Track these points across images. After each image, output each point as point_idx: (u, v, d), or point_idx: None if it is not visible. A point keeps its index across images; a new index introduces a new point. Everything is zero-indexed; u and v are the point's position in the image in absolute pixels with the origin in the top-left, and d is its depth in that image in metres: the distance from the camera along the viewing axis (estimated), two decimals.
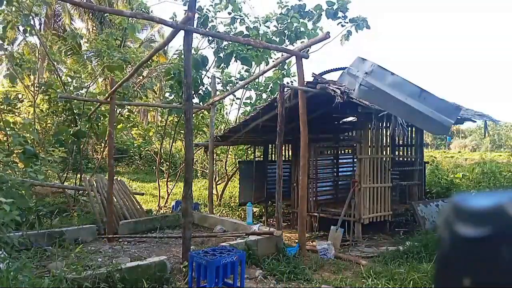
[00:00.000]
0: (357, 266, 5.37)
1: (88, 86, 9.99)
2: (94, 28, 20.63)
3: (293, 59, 8.24)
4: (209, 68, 10.14)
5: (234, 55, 9.39)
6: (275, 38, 9.78)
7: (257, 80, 10.68)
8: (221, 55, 9.74)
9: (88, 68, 13.38)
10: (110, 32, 10.48)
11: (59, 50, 10.23)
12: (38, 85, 9.59)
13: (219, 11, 10.13)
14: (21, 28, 8.51)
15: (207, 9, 10.06)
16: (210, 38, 9.67)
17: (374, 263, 5.41)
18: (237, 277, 4.06)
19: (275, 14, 10.10)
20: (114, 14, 11.59)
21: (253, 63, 9.93)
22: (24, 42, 9.95)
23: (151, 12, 10.21)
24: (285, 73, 10.82)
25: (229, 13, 10.12)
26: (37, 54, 11.10)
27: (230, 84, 10.78)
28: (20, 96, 10.71)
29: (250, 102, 11.36)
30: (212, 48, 10.18)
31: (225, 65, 10.14)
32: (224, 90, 10.57)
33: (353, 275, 4.99)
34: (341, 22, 9.61)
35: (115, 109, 7.80)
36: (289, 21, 9.68)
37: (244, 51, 9.18)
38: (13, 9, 7.92)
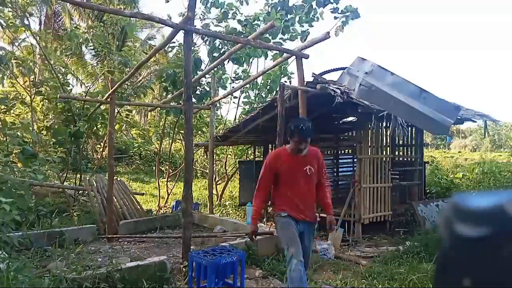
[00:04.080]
0: (357, 266, 5.36)
1: (88, 87, 10.01)
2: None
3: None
4: (205, 68, 10.18)
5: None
6: (268, 36, 9.78)
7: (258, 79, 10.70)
8: (216, 54, 9.76)
9: (88, 68, 13.39)
10: (104, 32, 10.45)
11: (56, 49, 10.21)
12: (33, 84, 9.58)
13: (210, 13, 10.19)
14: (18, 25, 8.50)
15: (202, 11, 10.12)
16: (205, 37, 9.71)
17: (374, 263, 5.41)
18: (237, 277, 4.06)
19: (264, 11, 10.14)
20: (114, 14, 11.58)
21: (244, 62, 9.99)
22: (23, 42, 9.94)
23: (152, 13, 10.23)
24: (282, 68, 10.83)
25: (221, 10, 10.16)
26: (36, 54, 11.09)
27: (222, 84, 10.80)
28: (17, 96, 10.70)
29: (249, 101, 11.37)
30: (206, 48, 10.21)
31: (220, 66, 10.14)
32: (217, 89, 10.61)
33: (353, 275, 4.99)
34: (332, 8, 9.66)
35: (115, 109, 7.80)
36: (276, 17, 9.72)
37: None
38: (7, 10, 7.93)
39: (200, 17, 10.12)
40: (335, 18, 9.75)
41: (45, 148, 8.92)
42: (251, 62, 10.06)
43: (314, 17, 10.02)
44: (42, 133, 9.52)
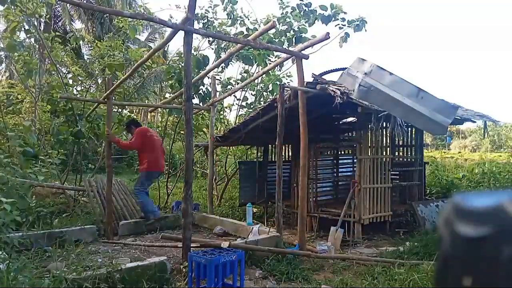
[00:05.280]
0: (357, 267, 5.37)
1: (88, 86, 9.99)
2: (94, 29, 20.63)
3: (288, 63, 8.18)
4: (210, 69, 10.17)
5: (236, 54, 9.37)
6: (275, 39, 9.76)
7: (256, 81, 10.67)
8: (222, 55, 9.72)
9: (88, 69, 13.37)
10: (111, 36, 10.42)
11: (59, 51, 10.17)
12: (40, 86, 9.56)
13: (216, 14, 10.15)
14: (26, 27, 8.48)
15: (206, 9, 10.04)
16: (211, 38, 9.65)
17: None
18: (237, 277, 4.06)
19: (274, 16, 10.09)
20: (114, 14, 11.57)
21: (255, 63, 9.90)
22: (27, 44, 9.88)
23: (154, 14, 10.19)
24: (280, 69, 10.76)
25: (228, 14, 10.10)
26: (39, 56, 11.07)
27: (230, 86, 10.77)
28: (19, 97, 10.68)
29: (250, 103, 11.35)
30: (212, 48, 10.15)
31: (225, 65, 10.09)
32: (223, 91, 10.55)
33: (353, 275, 4.99)
34: (338, 24, 9.59)
35: (115, 110, 7.79)
36: (291, 19, 9.65)
37: (245, 51, 9.15)
38: (17, 10, 7.90)
39: (207, 18, 10.05)
40: (340, 28, 9.69)
41: (46, 149, 8.89)
42: (262, 63, 9.97)
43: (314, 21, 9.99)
44: (40, 133, 9.50)
